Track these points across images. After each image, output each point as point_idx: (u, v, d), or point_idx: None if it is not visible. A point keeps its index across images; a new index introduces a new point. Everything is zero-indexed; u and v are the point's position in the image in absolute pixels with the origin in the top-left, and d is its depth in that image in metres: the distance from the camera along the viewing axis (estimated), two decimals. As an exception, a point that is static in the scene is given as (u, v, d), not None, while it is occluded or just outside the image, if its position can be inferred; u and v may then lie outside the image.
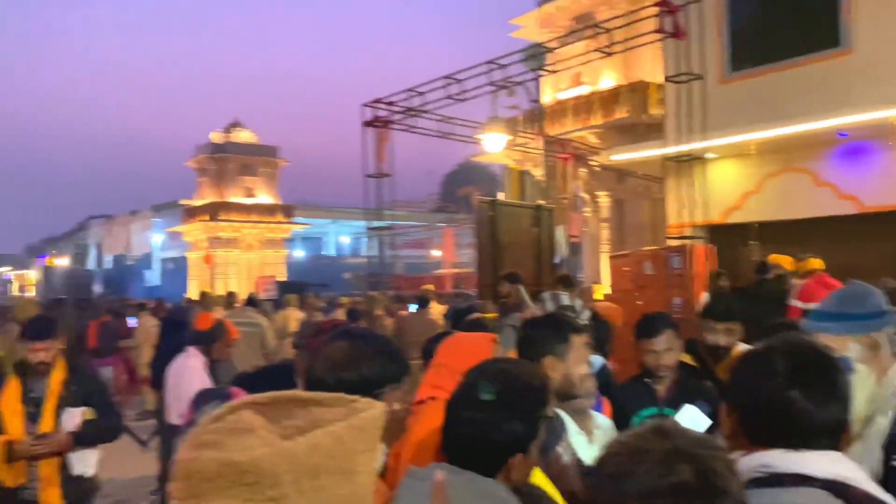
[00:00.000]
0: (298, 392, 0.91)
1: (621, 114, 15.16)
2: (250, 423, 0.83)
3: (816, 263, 7.12)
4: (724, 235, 8.99)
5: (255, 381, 2.88)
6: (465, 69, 8.84)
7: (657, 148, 8.70)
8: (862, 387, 2.33)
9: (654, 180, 12.18)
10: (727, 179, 9.35)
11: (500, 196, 12.56)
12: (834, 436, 1.31)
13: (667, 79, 6.94)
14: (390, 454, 2.31)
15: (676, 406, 3.23)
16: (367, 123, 9.66)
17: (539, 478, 1.94)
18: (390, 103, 9.65)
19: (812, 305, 6.75)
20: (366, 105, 9.88)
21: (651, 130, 14.17)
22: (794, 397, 1.29)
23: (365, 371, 1.83)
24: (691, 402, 3.25)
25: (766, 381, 1.32)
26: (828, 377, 1.32)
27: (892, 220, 8.10)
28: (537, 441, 1.67)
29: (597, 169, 14.82)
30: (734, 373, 1.45)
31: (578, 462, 2.60)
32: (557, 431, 2.41)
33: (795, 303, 6.94)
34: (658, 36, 7.00)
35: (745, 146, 8.89)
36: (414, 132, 9.95)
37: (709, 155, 7.23)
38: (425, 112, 9.48)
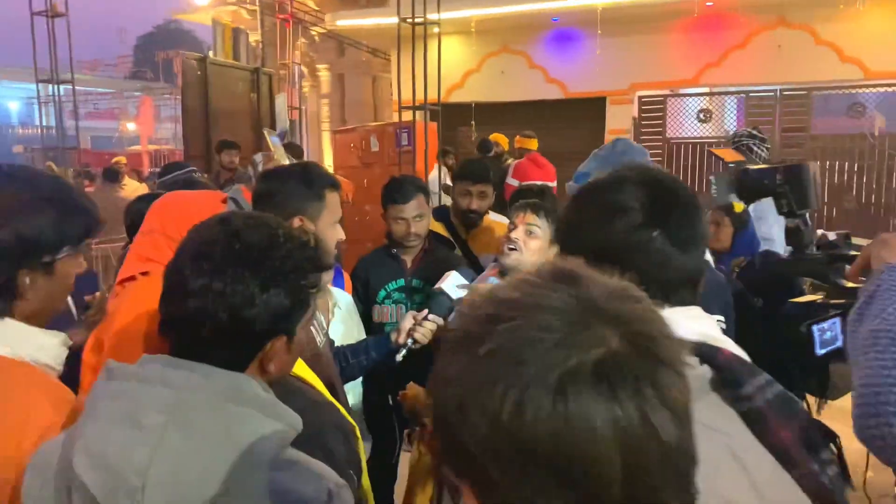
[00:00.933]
0: None
1: (343, -19, 14.30)
2: None
3: (532, 143, 7.45)
4: (446, 114, 9.02)
5: None
6: None
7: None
8: None
9: (380, 55, 11.80)
10: (452, 57, 9.31)
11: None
12: (695, 287, 1.05)
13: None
14: (87, 347, 1.69)
15: (426, 277, 2.99)
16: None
17: (299, 366, 1.49)
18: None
19: (525, 184, 7.05)
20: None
21: (372, 3, 13.61)
22: (655, 238, 1.00)
23: (24, 228, 1.18)
24: (440, 272, 3.03)
25: (619, 216, 1.01)
26: (690, 214, 1.05)
27: (593, 106, 8.81)
28: (306, 319, 1.20)
29: (317, 39, 13.97)
30: (571, 211, 1.10)
31: (331, 344, 2.22)
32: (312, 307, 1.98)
33: (511, 181, 7.23)
34: None
35: (466, 24, 8.84)
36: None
37: (436, 29, 6.99)
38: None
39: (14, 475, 1.07)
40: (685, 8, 7.84)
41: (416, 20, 6.08)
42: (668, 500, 0.57)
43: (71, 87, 8.40)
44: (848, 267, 1.28)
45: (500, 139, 7.91)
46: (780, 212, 1.74)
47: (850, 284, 1.15)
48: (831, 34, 7.66)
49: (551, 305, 0.59)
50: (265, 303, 1.09)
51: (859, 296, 1.11)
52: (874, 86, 7.64)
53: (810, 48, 7.72)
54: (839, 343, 1.19)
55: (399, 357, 2.09)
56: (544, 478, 0.55)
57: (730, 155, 2.76)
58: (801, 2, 7.47)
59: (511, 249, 2.36)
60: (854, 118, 7.67)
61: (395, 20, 6.27)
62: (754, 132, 3.50)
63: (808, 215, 1.69)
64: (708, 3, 7.79)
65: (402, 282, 3.00)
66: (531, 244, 2.35)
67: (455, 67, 9.33)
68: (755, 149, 3.42)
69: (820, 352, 1.30)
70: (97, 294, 2.43)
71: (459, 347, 0.61)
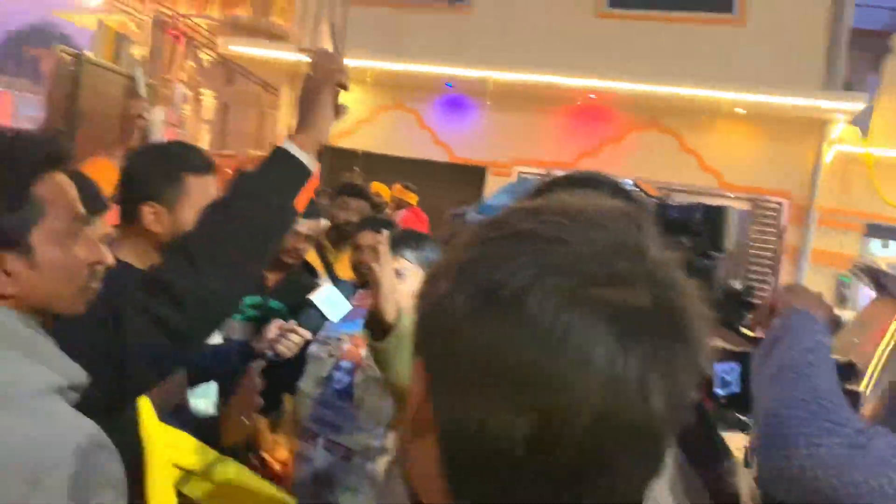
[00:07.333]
0: None
1: (243, 10, 14.01)
2: None
3: (412, 197, 7.51)
4: (333, 157, 8.94)
5: None
6: None
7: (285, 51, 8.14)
8: None
9: (270, 89, 11.56)
10: (347, 104, 9.29)
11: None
12: None
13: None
14: None
15: (286, 301, 2.82)
16: None
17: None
18: None
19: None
20: None
21: (270, 38, 13.43)
22: None
23: None
24: (302, 293, 2.88)
25: None
26: None
27: (475, 173, 9.03)
28: (62, 228, 1.04)
29: (206, 65, 13.54)
30: None
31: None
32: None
33: (388, 231, 7.19)
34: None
35: (363, 74, 8.90)
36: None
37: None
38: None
39: None
40: (569, 95, 8.31)
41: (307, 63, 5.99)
42: (624, 469, 0.48)
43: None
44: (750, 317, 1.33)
45: (381, 189, 7.89)
46: (695, 252, 1.66)
47: (750, 333, 1.19)
48: (695, 142, 8.38)
49: (613, 219, 0.51)
50: None
51: (766, 336, 1.15)
52: (726, 197, 8.37)
53: (675, 153, 8.39)
54: (736, 388, 1.22)
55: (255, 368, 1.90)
56: (509, 379, 0.46)
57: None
58: (671, 109, 8.14)
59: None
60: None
61: (291, 55, 6.17)
62: None
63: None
64: (591, 96, 8.31)
65: (258, 298, 2.80)
66: (402, 289, 2.09)
67: (348, 115, 9.30)
68: None
69: (719, 392, 1.29)
70: None
71: (474, 235, 0.52)
